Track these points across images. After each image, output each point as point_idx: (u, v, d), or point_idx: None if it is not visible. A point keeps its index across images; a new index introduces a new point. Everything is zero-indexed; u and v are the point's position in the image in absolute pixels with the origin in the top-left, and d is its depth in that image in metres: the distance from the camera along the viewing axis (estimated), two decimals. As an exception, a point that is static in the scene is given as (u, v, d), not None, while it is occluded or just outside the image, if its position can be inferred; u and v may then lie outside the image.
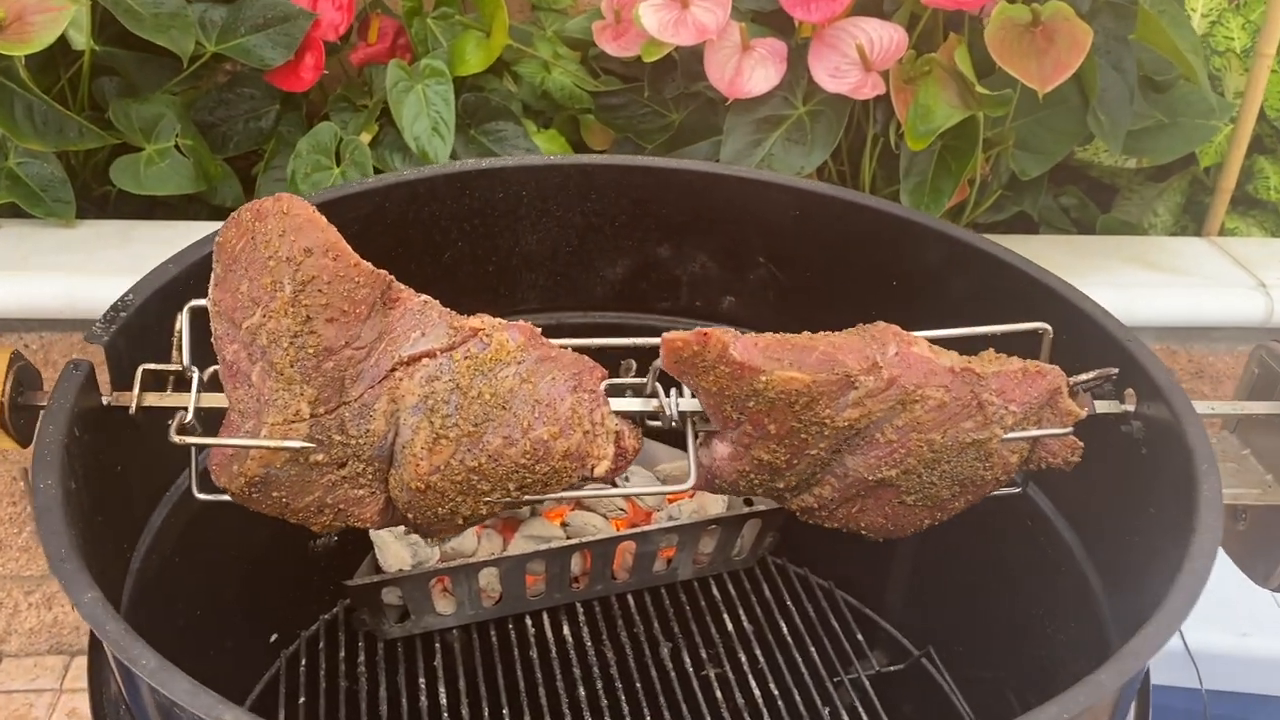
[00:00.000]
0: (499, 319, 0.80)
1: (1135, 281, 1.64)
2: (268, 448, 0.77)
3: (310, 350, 0.74)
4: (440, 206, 1.06)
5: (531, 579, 1.12)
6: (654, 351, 0.81)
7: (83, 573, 0.66)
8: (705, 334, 0.77)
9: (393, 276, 0.78)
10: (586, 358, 0.83)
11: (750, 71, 1.57)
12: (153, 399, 0.81)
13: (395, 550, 1.09)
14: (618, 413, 0.82)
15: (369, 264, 0.76)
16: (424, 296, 0.80)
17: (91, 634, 0.88)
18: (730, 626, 1.13)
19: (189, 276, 0.92)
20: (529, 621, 1.13)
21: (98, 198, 1.75)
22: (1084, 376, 0.82)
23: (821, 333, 0.80)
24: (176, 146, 1.66)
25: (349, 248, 0.76)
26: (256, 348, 0.75)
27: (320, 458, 0.79)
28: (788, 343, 0.77)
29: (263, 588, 1.07)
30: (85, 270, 1.54)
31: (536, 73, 1.83)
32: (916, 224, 1.03)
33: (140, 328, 0.88)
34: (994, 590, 1.06)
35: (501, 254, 1.11)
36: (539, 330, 0.81)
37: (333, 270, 0.75)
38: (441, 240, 1.08)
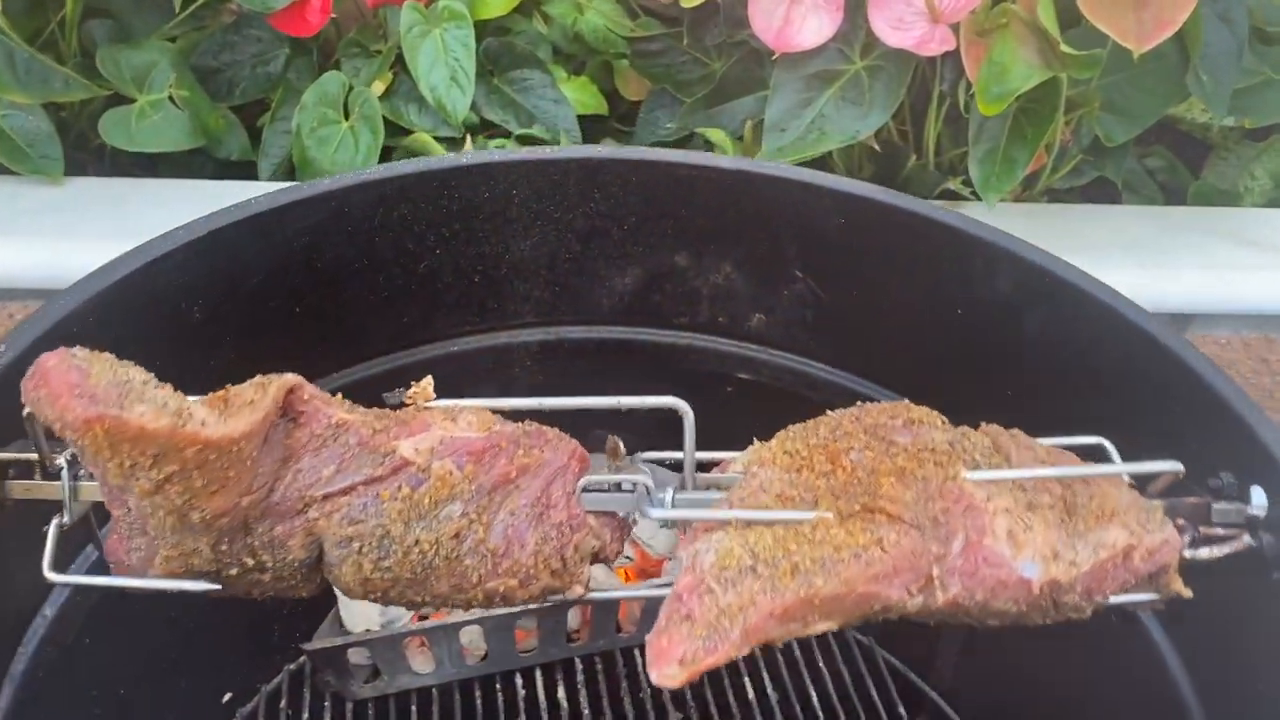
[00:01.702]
0: (440, 427, 0.58)
1: (1231, 262, 1.38)
2: (162, 589, 0.58)
3: (197, 520, 0.54)
4: (413, 209, 0.85)
5: (522, 634, 0.93)
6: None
7: None
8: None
9: (297, 380, 0.57)
10: (559, 443, 0.61)
11: (801, 21, 1.31)
12: (20, 490, 0.62)
13: (361, 608, 0.90)
14: (599, 512, 0.62)
15: (246, 390, 0.55)
16: (336, 412, 0.58)
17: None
18: (752, 693, 0.93)
19: (77, 321, 0.71)
20: (519, 681, 0.93)
21: (95, 149, 1.55)
22: (1211, 554, 0.58)
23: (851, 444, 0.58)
24: (170, 98, 1.45)
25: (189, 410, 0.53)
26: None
27: (234, 573, 0.59)
28: (812, 600, 0.53)
29: (211, 645, 0.88)
30: (73, 234, 1.35)
31: (568, 13, 1.58)
32: (989, 243, 0.79)
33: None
34: (1066, 683, 0.84)
35: (488, 262, 0.89)
36: (494, 420, 0.60)
37: (188, 458, 0.53)
38: (415, 248, 0.86)
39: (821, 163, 1.42)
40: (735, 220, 0.88)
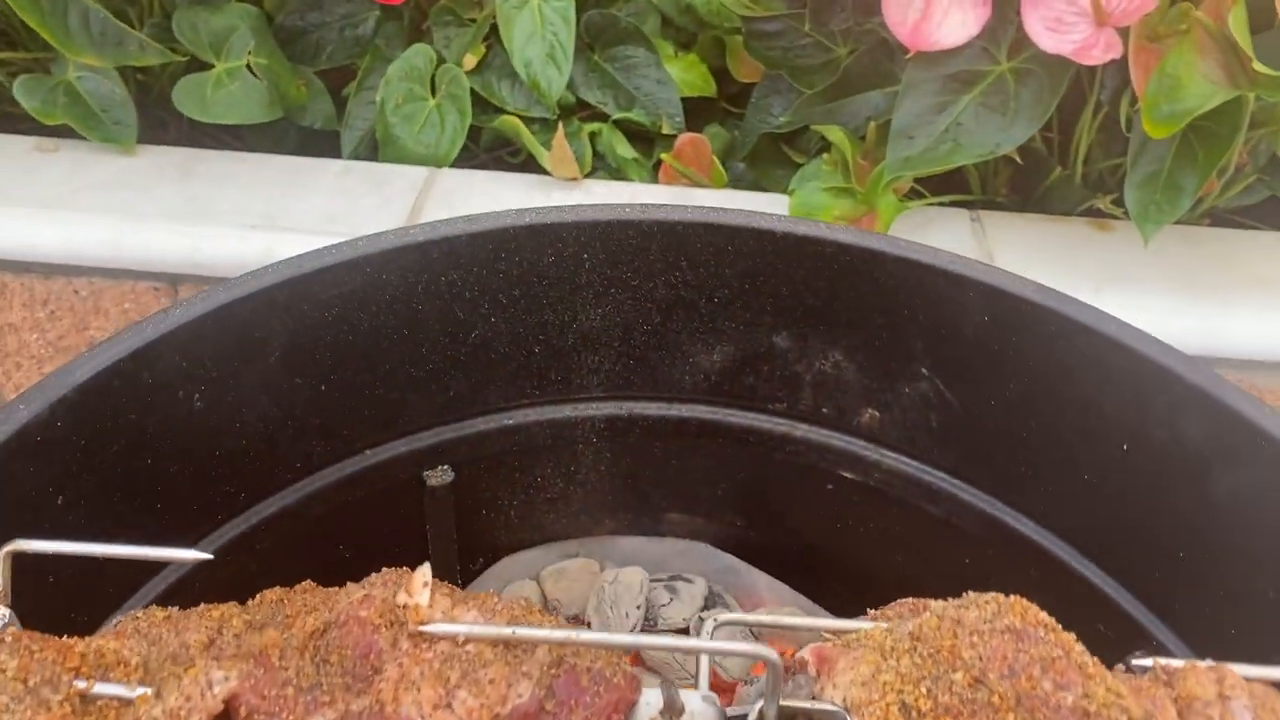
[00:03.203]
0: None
1: None
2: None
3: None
4: (463, 275, 0.68)
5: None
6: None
7: None
8: None
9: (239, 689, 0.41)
10: (597, 691, 0.45)
11: (942, 16, 1.09)
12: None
13: None
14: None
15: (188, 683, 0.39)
16: None
17: None
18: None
19: (41, 428, 0.56)
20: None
21: (175, 112, 1.41)
22: None
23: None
24: (249, 66, 1.29)
25: None
26: None
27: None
28: None
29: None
30: (135, 213, 1.21)
31: (681, -19, 1.38)
32: (1178, 378, 0.59)
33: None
34: None
35: (551, 333, 0.72)
36: (509, 674, 0.43)
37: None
38: (466, 316, 0.70)
39: (953, 174, 1.21)
40: (852, 303, 0.69)
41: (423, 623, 0.42)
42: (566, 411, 0.75)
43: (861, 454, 0.74)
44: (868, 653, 0.48)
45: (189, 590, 0.66)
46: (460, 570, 0.80)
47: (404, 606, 0.43)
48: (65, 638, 0.43)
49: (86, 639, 0.43)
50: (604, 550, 0.83)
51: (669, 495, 0.80)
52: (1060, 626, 0.47)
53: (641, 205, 0.68)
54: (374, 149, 1.34)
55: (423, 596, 0.43)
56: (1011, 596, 0.48)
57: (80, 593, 0.59)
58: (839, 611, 0.79)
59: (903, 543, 0.76)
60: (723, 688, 0.79)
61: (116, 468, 0.59)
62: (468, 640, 0.42)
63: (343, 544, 0.74)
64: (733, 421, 0.76)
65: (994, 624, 0.48)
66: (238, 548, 0.67)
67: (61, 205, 1.22)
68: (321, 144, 1.39)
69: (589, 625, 0.79)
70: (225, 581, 0.68)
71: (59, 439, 0.55)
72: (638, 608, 0.77)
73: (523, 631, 0.42)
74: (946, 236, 1.23)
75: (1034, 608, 0.48)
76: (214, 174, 1.27)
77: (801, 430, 0.75)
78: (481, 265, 0.67)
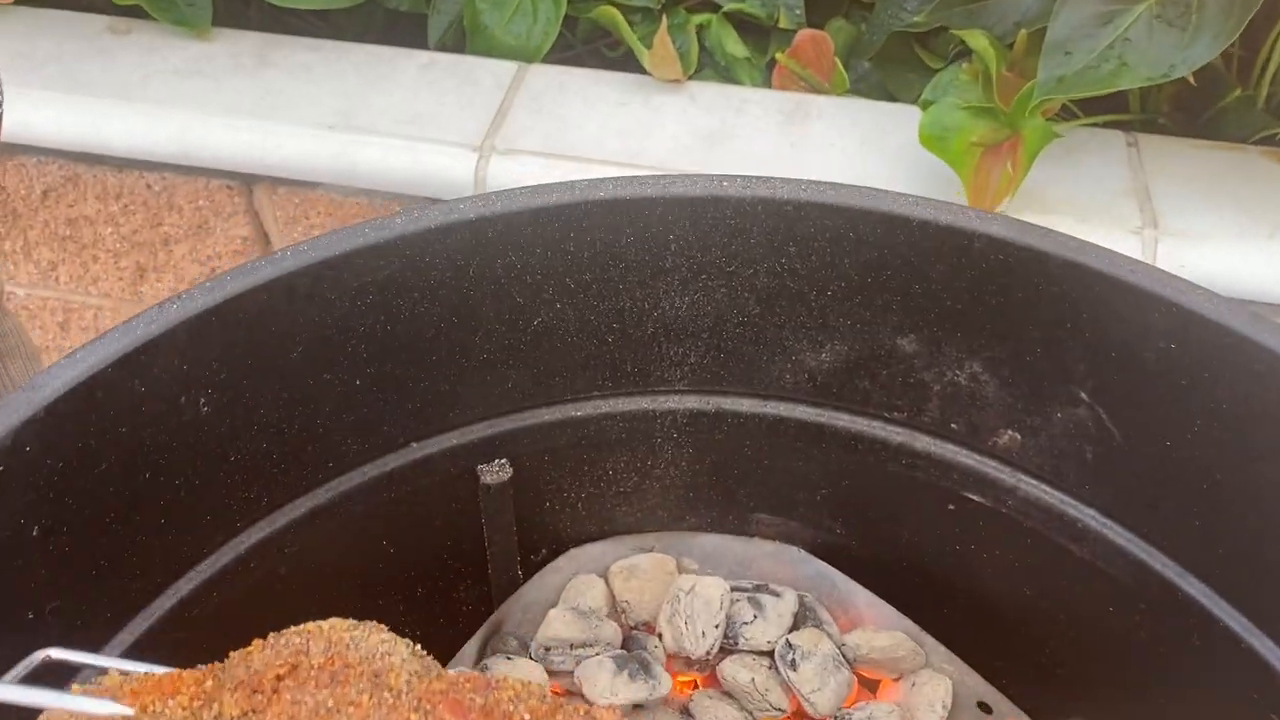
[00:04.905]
0: None
1: None
2: None
3: None
4: (524, 257, 0.54)
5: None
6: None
7: None
8: None
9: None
10: None
11: (1121, -92, 0.88)
12: None
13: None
14: None
15: None
16: None
17: None
18: None
19: (23, 434, 0.45)
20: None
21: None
22: None
23: None
24: (325, -56, 1.14)
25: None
26: None
27: None
28: None
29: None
30: (206, 107, 1.09)
31: None
32: None
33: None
34: None
35: (628, 321, 0.58)
36: None
37: None
38: (527, 302, 0.56)
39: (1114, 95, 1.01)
40: (1001, 309, 0.54)
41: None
42: (644, 404, 0.62)
43: (995, 477, 0.60)
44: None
45: (207, 602, 0.56)
46: (521, 562, 0.69)
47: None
48: None
49: None
50: (682, 546, 0.71)
51: (759, 495, 0.67)
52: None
53: (743, 179, 0.53)
54: (462, 38, 1.19)
55: None
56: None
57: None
58: (948, 640, 0.66)
59: (1033, 579, 0.62)
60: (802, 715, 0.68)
61: (107, 487, 0.48)
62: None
63: (387, 541, 0.63)
64: (839, 425, 0.62)
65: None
66: (261, 553, 0.57)
67: (130, 95, 1.11)
68: (409, 29, 1.25)
69: (659, 636, 0.68)
70: (252, 587, 0.58)
71: (26, 466, 0.44)
72: (716, 626, 0.65)
73: None
74: (1096, 165, 1.04)
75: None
76: (291, 63, 1.14)
77: (923, 442, 0.61)
78: (546, 246, 0.53)
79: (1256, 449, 0.51)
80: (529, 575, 0.70)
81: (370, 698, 0.33)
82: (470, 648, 0.68)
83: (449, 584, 0.70)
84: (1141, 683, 0.60)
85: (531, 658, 0.67)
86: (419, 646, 0.37)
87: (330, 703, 0.33)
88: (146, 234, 1.20)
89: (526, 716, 0.33)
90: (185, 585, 0.55)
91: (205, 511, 0.54)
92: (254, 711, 0.33)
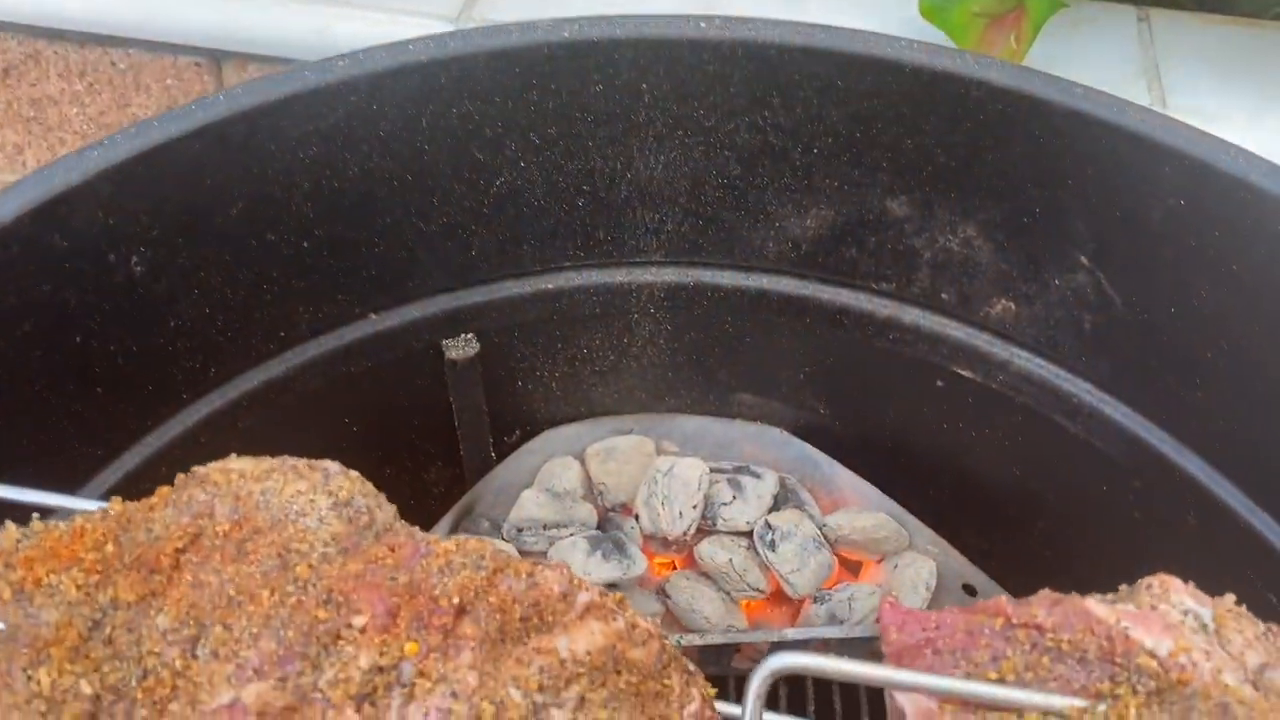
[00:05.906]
0: None
1: None
2: None
3: None
4: (483, 107, 0.49)
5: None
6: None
7: None
8: None
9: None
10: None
11: None
12: None
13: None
14: None
15: None
16: None
17: None
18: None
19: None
20: None
21: None
22: None
23: None
24: None
25: None
26: None
27: None
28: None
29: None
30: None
31: None
32: None
33: None
34: None
35: (599, 183, 0.54)
36: None
37: None
38: (488, 159, 0.52)
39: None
40: (998, 166, 0.49)
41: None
42: (619, 277, 0.58)
43: (986, 350, 0.56)
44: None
45: (155, 477, 0.53)
46: (495, 444, 0.66)
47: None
48: None
49: None
50: (662, 428, 0.67)
51: (740, 374, 0.64)
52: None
53: (723, 20, 0.48)
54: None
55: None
56: None
57: None
58: (933, 522, 0.63)
59: (1024, 458, 0.59)
60: (782, 600, 0.65)
61: (32, 351, 0.45)
62: None
63: (350, 419, 0.60)
64: (824, 298, 0.58)
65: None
66: (211, 427, 0.54)
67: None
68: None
69: (636, 518, 0.65)
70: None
71: (-65, 326, 0.40)
72: (694, 507, 0.62)
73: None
74: (1104, 40, 0.98)
75: None
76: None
77: (912, 315, 0.57)
78: (506, 95, 0.49)
79: (1268, 316, 0.47)
80: (503, 458, 0.67)
81: (272, 594, 0.29)
82: (441, 530, 0.65)
83: (419, 465, 0.66)
84: (1133, 565, 0.57)
85: (504, 538, 0.64)
86: (349, 485, 0.33)
87: (231, 590, 0.29)
88: (114, 115, 1.14)
89: (455, 596, 0.30)
90: (131, 459, 0.52)
91: (147, 381, 0.50)
92: (152, 595, 0.29)
